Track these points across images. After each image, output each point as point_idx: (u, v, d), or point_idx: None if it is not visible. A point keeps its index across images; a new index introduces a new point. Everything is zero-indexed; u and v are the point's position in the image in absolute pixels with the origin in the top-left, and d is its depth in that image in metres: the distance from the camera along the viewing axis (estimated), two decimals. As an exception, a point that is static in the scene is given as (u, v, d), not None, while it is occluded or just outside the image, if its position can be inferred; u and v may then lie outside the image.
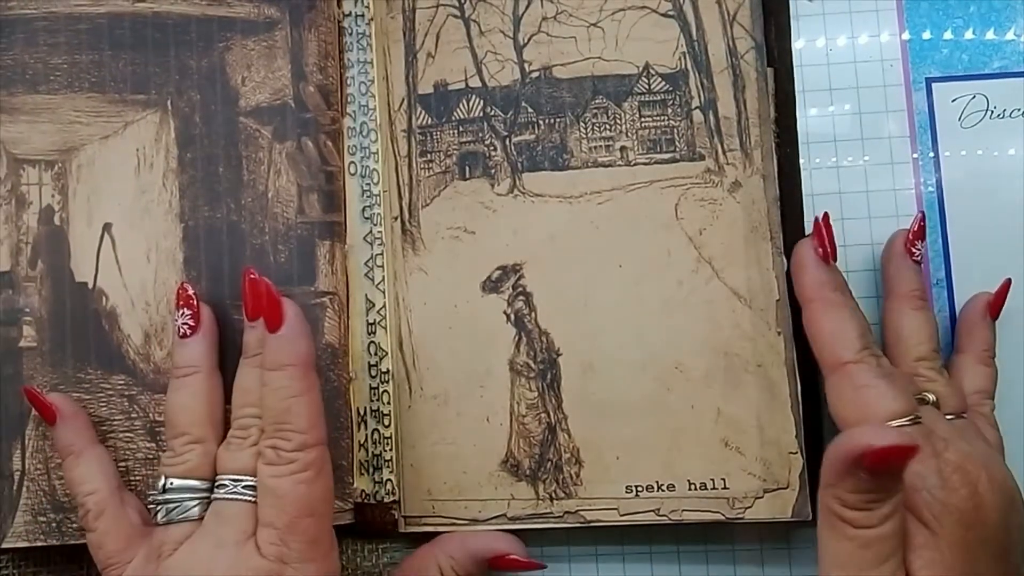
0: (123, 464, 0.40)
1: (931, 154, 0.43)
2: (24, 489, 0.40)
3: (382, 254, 0.42)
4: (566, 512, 0.41)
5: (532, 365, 0.41)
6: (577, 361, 0.41)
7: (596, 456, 0.41)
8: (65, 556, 0.42)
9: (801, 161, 0.42)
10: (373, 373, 0.42)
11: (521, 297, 0.41)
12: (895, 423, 0.34)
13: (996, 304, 0.41)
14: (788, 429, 0.40)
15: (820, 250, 0.38)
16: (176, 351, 0.39)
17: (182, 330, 0.38)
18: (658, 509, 0.40)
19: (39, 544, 0.40)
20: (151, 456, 0.40)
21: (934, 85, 0.43)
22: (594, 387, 0.41)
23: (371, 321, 0.42)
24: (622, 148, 0.41)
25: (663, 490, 0.40)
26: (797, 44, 0.43)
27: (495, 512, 0.41)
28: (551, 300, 0.41)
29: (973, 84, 0.43)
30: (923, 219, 0.40)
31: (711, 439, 0.40)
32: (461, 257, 0.42)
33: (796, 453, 0.39)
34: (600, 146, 0.41)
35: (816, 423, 0.40)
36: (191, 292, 0.39)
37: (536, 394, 0.41)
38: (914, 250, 0.40)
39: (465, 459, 0.41)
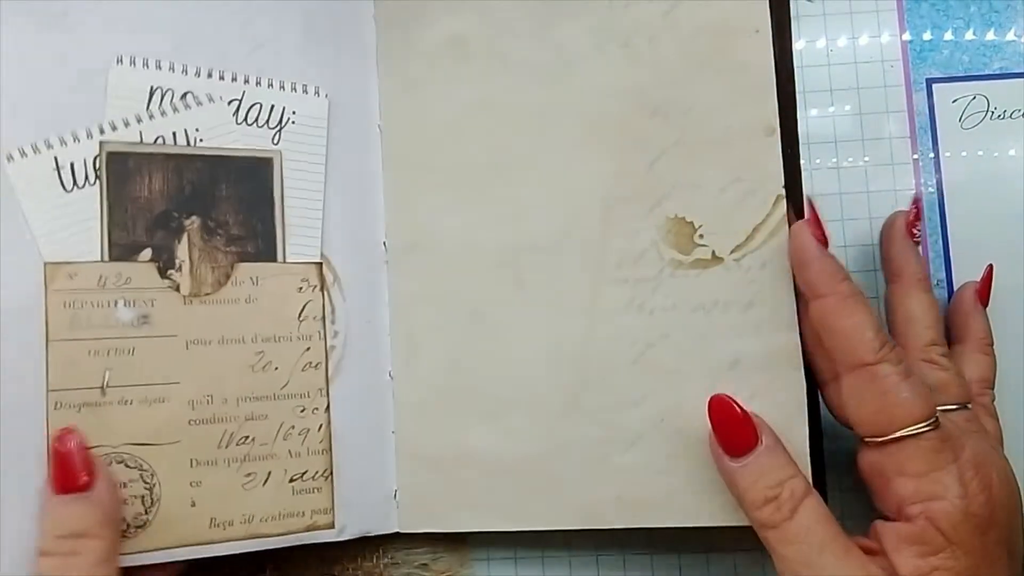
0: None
1: (931, 155, 0.43)
2: None
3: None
4: None
5: None
6: None
7: None
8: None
9: (801, 162, 0.41)
10: (373, 373, 0.42)
11: None
12: (919, 427, 0.34)
13: (983, 290, 0.41)
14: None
15: (820, 235, 0.36)
16: None
17: None
18: None
19: None
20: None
21: (934, 86, 0.43)
22: None
23: (371, 321, 0.42)
24: None
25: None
26: (798, 45, 0.43)
27: None
28: None
29: (973, 85, 0.43)
30: (919, 201, 0.41)
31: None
32: None
33: None
34: None
35: (816, 429, 0.38)
36: None
37: None
38: (915, 231, 0.40)
39: None
